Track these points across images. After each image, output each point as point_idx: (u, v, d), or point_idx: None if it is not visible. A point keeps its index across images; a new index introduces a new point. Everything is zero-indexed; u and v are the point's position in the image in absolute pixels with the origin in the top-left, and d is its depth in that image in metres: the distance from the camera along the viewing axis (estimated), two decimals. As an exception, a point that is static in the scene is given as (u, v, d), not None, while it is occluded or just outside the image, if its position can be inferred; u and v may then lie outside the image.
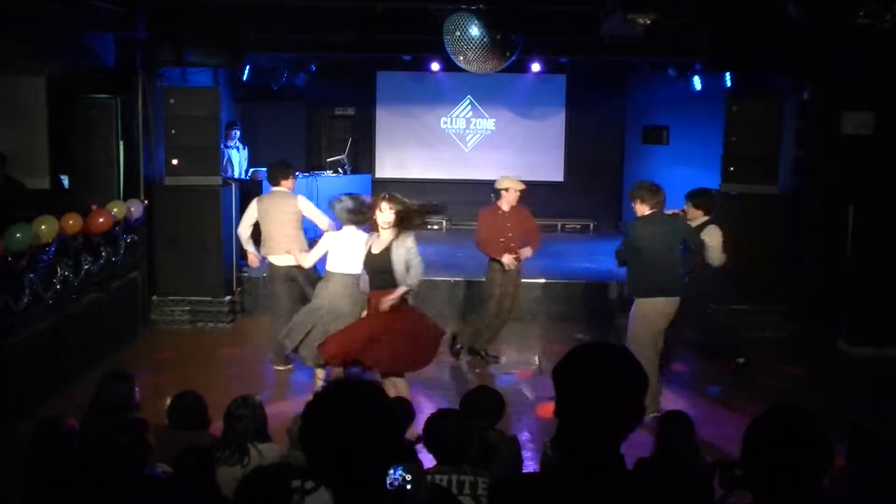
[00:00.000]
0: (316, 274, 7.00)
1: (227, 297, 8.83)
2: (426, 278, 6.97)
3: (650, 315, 6.22)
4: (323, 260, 6.68)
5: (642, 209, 6.34)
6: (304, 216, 7.41)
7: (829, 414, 2.23)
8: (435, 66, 11.45)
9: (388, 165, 13.14)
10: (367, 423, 1.78)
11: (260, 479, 3.17)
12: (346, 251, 6.38)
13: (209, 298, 8.71)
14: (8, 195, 7.42)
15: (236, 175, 10.55)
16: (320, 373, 6.54)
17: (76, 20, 7.28)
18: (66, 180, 8.17)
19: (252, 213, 7.39)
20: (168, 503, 3.45)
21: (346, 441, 1.77)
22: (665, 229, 6.34)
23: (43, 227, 6.43)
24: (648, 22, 6.55)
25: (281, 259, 7.23)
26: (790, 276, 8.83)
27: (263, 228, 7.38)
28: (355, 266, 6.22)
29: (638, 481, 1.95)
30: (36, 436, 3.82)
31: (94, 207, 7.35)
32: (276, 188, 7.51)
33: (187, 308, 8.72)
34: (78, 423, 4.00)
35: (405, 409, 4.47)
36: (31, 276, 6.30)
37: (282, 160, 7.80)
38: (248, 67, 10.39)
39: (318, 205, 10.74)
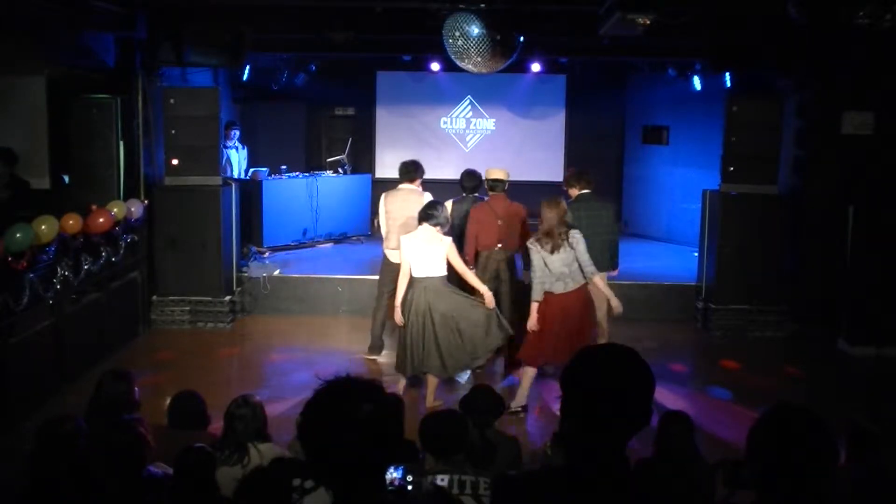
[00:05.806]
0: None
1: (227, 297, 8.83)
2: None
3: None
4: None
5: (573, 192, 6.97)
6: None
7: (829, 414, 2.22)
8: (435, 66, 11.44)
9: (388, 165, 13.07)
10: (367, 422, 1.78)
11: (260, 479, 3.18)
12: (428, 253, 6.32)
13: (209, 298, 8.71)
14: (13, 195, 7.43)
15: (235, 175, 10.55)
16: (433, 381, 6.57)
17: (76, 20, 7.27)
18: (66, 180, 8.17)
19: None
20: (168, 503, 3.45)
21: (346, 440, 1.77)
22: (591, 212, 6.83)
23: (43, 227, 6.43)
24: (648, 22, 6.55)
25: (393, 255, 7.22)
26: (790, 276, 8.83)
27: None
28: (441, 267, 6.31)
29: (639, 481, 1.95)
30: (41, 436, 3.81)
31: (94, 207, 7.35)
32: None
33: (187, 308, 8.72)
34: (79, 422, 3.99)
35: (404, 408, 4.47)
36: (31, 276, 6.30)
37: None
38: (248, 67, 10.40)
39: (319, 205, 10.95)
